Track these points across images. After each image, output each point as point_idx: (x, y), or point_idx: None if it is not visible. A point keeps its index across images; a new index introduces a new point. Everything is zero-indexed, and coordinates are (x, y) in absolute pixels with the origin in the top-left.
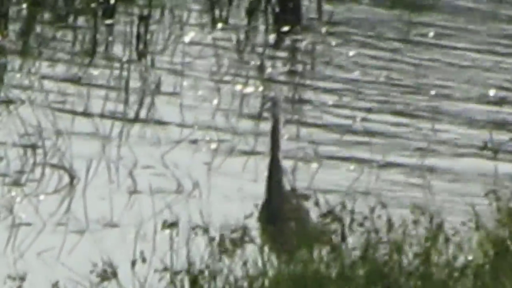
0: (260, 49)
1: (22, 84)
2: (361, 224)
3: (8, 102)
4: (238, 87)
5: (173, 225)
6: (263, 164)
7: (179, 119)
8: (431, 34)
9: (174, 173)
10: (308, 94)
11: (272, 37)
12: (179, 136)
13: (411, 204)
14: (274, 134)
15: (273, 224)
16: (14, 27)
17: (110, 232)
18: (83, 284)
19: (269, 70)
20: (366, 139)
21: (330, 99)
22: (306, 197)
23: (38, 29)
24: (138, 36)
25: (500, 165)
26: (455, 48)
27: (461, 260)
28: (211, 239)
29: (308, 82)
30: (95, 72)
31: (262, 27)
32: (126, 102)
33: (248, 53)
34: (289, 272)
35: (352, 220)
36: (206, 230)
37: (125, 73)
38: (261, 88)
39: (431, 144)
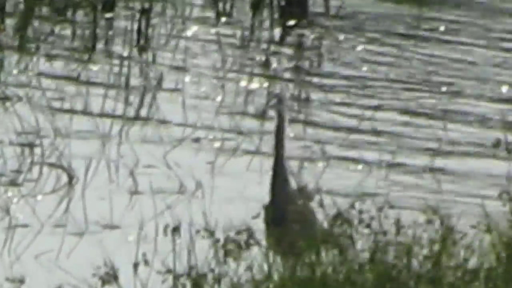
0: (265, 44)
1: (19, 80)
2: (368, 225)
3: (5, 99)
4: (243, 83)
5: (175, 230)
6: (268, 164)
7: (181, 117)
8: (441, 29)
9: (176, 173)
10: (314, 92)
11: (277, 32)
12: (181, 135)
13: (423, 204)
14: (279, 133)
15: (279, 226)
16: (10, 22)
17: (110, 234)
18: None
19: (274, 66)
20: (374, 138)
21: (337, 96)
22: (312, 198)
23: (35, 23)
24: (139, 31)
25: None
26: (465, 43)
27: (472, 262)
28: (216, 241)
29: (314, 78)
30: (94, 67)
31: (267, 21)
32: (126, 99)
33: (252, 48)
34: (295, 276)
35: (360, 221)
36: (212, 234)
37: (125, 69)
38: (266, 85)
39: (441, 144)
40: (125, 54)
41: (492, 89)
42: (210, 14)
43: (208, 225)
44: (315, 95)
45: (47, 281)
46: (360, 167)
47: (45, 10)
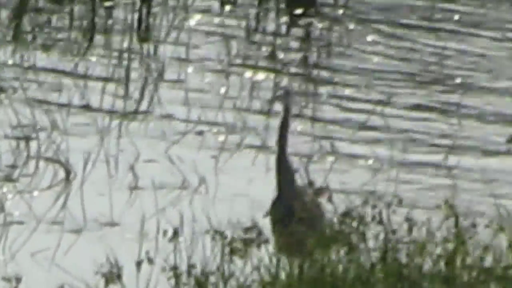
0: (271, 34)
1: (14, 72)
2: (381, 221)
3: (0, 91)
4: (248, 75)
5: (175, 234)
6: (274, 158)
7: (184, 110)
8: (455, 20)
9: (178, 167)
10: (323, 85)
11: (284, 21)
12: (184, 128)
13: (438, 201)
14: (284, 126)
15: (286, 223)
16: (5, 11)
17: (110, 231)
18: (80, 287)
19: (281, 56)
20: (384, 134)
21: (346, 90)
22: (321, 193)
23: (31, 13)
24: (140, 20)
25: None
26: (479, 36)
27: (487, 262)
28: (223, 238)
29: (322, 71)
30: (93, 58)
31: (273, 10)
32: (126, 91)
33: (258, 38)
34: (303, 275)
35: (373, 219)
36: (221, 234)
37: (125, 60)
38: (272, 77)
39: (455, 140)
40: (125, 45)
41: (506, 83)
42: (214, 2)
43: (211, 222)
44: (324, 89)
45: (44, 280)
46: (370, 163)
47: None
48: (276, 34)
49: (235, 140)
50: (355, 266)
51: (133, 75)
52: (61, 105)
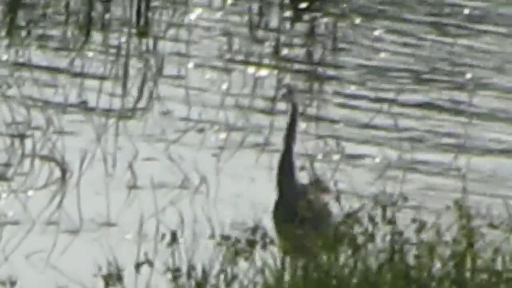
0: (274, 30)
1: (8, 68)
2: (390, 222)
3: None
4: (250, 70)
5: (174, 238)
6: (277, 157)
7: (184, 106)
8: (464, 15)
9: (178, 166)
10: (328, 82)
11: (288, 16)
12: (184, 125)
13: (449, 201)
14: (292, 125)
15: (289, 223)
16: None
17: (107, 232)
18: None
19: (284, 53)
20: (392, 134)
21: (351, 87)
22: (327, 192)
23: (26, 7)
24: (138, 15)
25: None
26: (489, 32)
27: (498, 264)
28: (226, 239)
29: (327, 68)
30: (90, 54)
31: (276, 5)
32: (124, 87)
33: (261, 34)
34: (308, 277)
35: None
36: (227, 238)
37: (123, 56)
38: (276, 72)
39: (464, 139)
40: (123, 40)
41: None
42: None
43: (212, 222)
44: (329, 86)
45: (39, 282)
46: (377, 162)
47: None
48: (279, 29)
49: (237, 138)
50: (361, 267)
51: (132, 71)
52: (56, 102)
